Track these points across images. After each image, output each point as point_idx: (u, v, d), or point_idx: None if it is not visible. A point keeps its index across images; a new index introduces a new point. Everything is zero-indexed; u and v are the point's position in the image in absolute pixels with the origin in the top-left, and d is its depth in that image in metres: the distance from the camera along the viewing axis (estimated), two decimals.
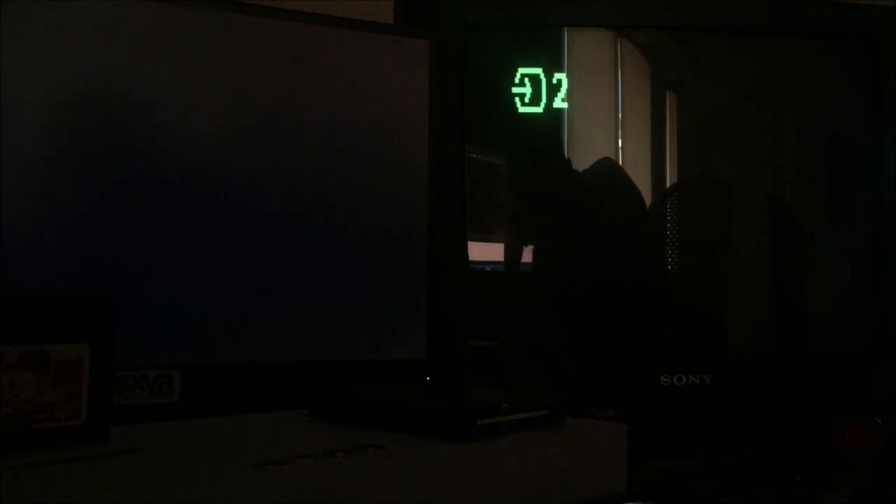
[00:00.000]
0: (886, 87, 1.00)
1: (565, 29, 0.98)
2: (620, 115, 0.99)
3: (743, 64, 1.02)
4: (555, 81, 0.98)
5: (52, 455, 0.52)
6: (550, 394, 0.65)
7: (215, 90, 0.78)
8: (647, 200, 0.98)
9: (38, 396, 0.55)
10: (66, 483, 0.48)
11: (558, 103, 0.98)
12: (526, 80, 0.98)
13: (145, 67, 0.75)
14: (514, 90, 0.99)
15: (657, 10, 0.99)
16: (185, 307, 0.75)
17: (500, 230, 1.00)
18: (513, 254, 0.99)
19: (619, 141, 0.99)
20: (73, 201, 0.72)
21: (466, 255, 0.95)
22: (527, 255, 0.99)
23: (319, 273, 0.81)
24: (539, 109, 0.98)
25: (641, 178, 0.99)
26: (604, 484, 0.63)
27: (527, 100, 0.99)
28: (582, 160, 0.99)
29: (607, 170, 0.98)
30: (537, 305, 0.98)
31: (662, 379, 0.94)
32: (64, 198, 0.72)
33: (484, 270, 0.98)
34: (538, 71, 0.98)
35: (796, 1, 1.01)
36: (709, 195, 1.02)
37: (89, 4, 0.73)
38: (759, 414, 0.96)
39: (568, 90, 0.97)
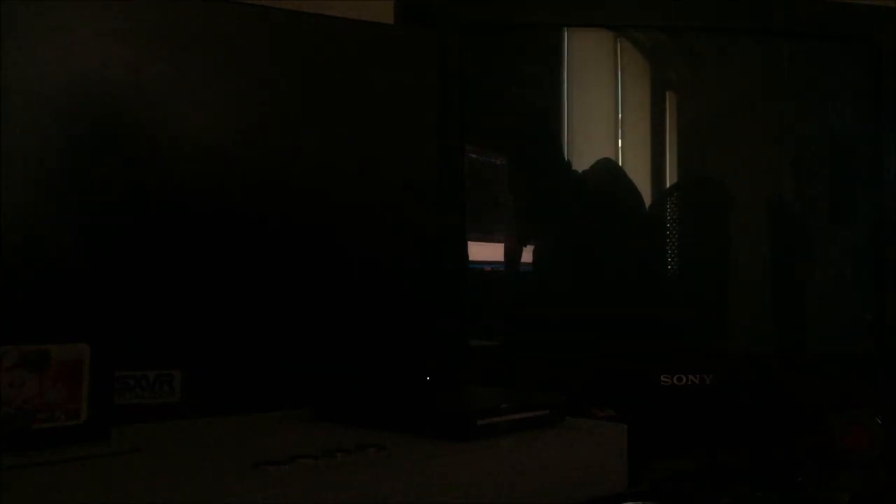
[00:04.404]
0: (886, 87, 1.00)
1: (565, 29, 0.98)
2: (620, 115, 0.99)
3: (743, 64, 1.02)
4: (554, 81, 0.98)
5: (52, 455, 0.52)
6: (550, 394, 0.65)
7: (214, 91, 0.78)
8: (647, 200, 0.98)
9: (39, 396, 0.55)
10: (66, 483, 0.48)
11: (558, 103, 0.98)
12: (526, 79, 0.98)
13: (144, 67, 0.74)
14: (514, 90, 0.98)
15: (657, 10, 0.99)
16: (186, 307, 0.75)
17: (500, 230, 1.00)
18: (513, 254, 0.99)
19: (619, 141, 0.99)
20: (73, 201, 0.72)
21: (466, 255, 0.95)
22: (527, 255, 0.99)
23: (319, 273, 0.81)
24: (539, 109, 0.98)
25: (641, 178, 0.99)
26: (604, 484, 0.63)
27: (527, 100, 0.99)
28: (582, 160, 0.99)
29: (607, 170, 0.98)
30: (537, 305, 0.98)
31: (662, 379, 0.94)
32: (64, 197, 0.72)
33: (484, 270, 0.98)
34: (538, 71, 0.98)
35: (796, 1, 1.01)
36: (709, 195, 1.02)
37: (89, 4, 0.73)
38: (759, 414, 0.96)
39: (568, 90, 0.97)
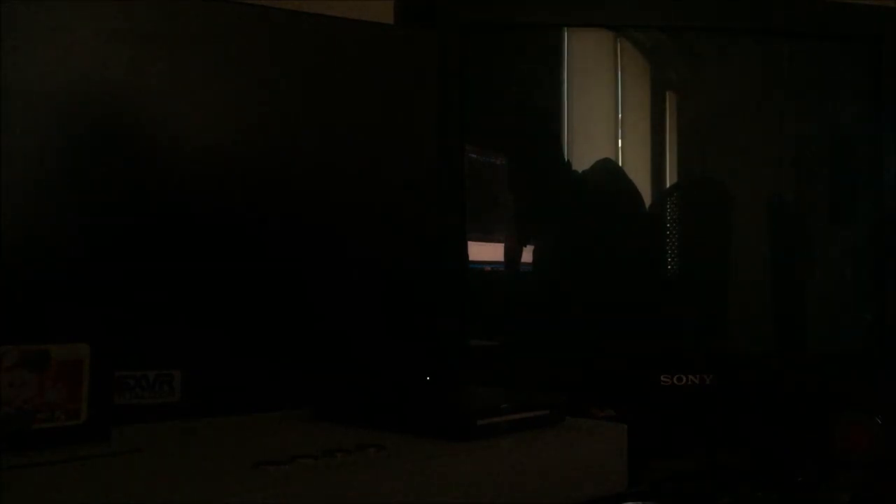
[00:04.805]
0: (887, 87, 1.00)
1: (565, 29, 0.98)
2: (620, 115, 0.99)
3: (743, 64, 1.02)
4: (554, 81, 0.98)
5: (52, 455, 0.52)
6: (550, 394, 0.65)
7: (214, 91, 0.78)
8: (647, 200, 0.98)
9: (39, 396, 0.55)
10: (66, 483, 0.48)
11: (558, 103, 0.98)
12: (526, 79, 0.98)
13: (144, 67, 0.74)
14: (514, 90, 0.98)
15: (657, 10, 0.99)
16: (186, 307, 0.75)
17: (500, 230, 1.00)
18: (513, 254, 0.99)
19: (619, 141, 0.99)
20: (73, 201, 0.72)
21: (466, 255, 0.95)
22: (527, 255, 0.99)
23: (319, 273, 0.81)
24: (539, 109, 0.98)
25: (641, 178, 0.99)
26: (604, 484, 0.63)
27: (527, 100, 0.99)
28: (582, 160, 0.99)
29: (607, 170, 0.98)
30: (537, 305, 0.98)
31: (662, 379, 0.94)
32: (64, 197, 0.72)
33: (484, 270, 0.98)
34: (538, 71, 0.98)
35: (796, 1, 1.01)
36: (709, 195, 1.02)
37: (89, 4, 0.73)
38: (760, 414, 0.96)
39: (568, 90, 0.97)
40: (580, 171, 0.98)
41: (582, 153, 0.99)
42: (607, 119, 0.99)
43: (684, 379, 0.93)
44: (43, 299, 0.69)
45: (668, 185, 0.99)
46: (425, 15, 0.94)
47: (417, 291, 0.86)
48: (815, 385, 0.97)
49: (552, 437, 0.62)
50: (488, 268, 0.98)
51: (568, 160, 0.98)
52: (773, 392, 0.97)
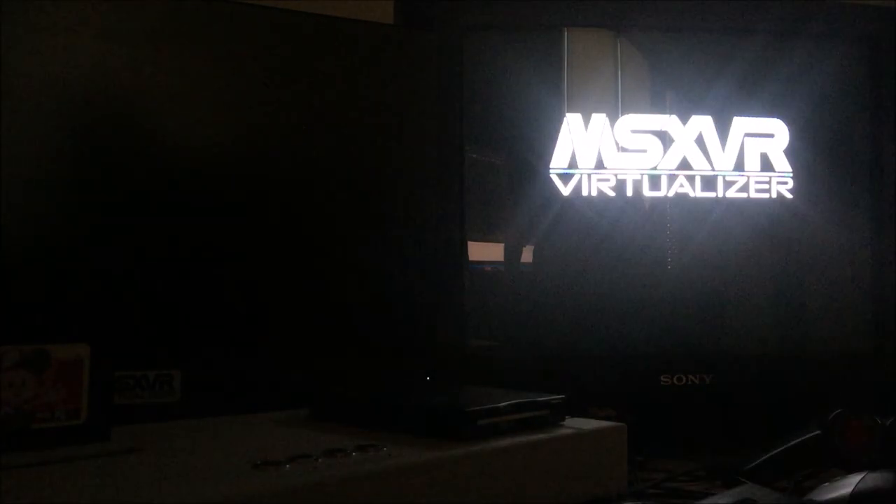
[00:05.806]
0: (886, 87, 1.00)
1: (565, 29, 0.98)
2: (620, 115, 0.99)
3: (742, 64, 1.02)
4: (555, 81, 0.98)
5: (52, 455, 0.52)
6: (550, 394, 0.65)
7: (214, 91, 0.78)
8: (647, 200, 0.98)
9: (39, 396, 0.55)
10: (66, 483, 0.48)
11: (558, 103, 0.98)
12: (526, 79, 0.98)
13: (144, 67, 0.74)
14: (514, 90, 0.98)
15: (657, 10, 0.99)
16: (186, 307, 0.75)
17: (500, 230, 1.00)
18: (513, 254, 0.99)
19: (619, 141, 0.99)
20: (73, 200, 0.72)
21: (466, 255, 0.95)
22: (527, 255, 0.99)
23: (320, 273, 0.81)
24: (539, 109, 0.98)
25: (641, 178, 0.99)
26: (604, 484, 0.63)
27: (527, 100, 0.98)
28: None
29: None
30: (537, 305, 0.98)
31: (662, 379, 0.94)
32: (65, 197, 0.72)
33: (484, 270, 0.98)
34: (538, 71, 0.98)
35: (796, 1, 1.01)
36: (708, 195, 1.02)
37: (89, 4, 0.73)
38: (760, 414, 0.96)
39: (568, 90, 0.97)
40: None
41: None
42: (607, 119, 0.99)
43: (684, 379, 0.93)
44: (43, 299, 0.69)
45: (667, 186, 0.99)
46: (425, 15, 0.94)
47: (417, 292, 0.86)
48: (816, 385, 0.97)
49: (552, 437, 0.62)
50: (488, 268, 0.98)
51: (567, 160, 0.98)
52: (773, 392, 0.97)
